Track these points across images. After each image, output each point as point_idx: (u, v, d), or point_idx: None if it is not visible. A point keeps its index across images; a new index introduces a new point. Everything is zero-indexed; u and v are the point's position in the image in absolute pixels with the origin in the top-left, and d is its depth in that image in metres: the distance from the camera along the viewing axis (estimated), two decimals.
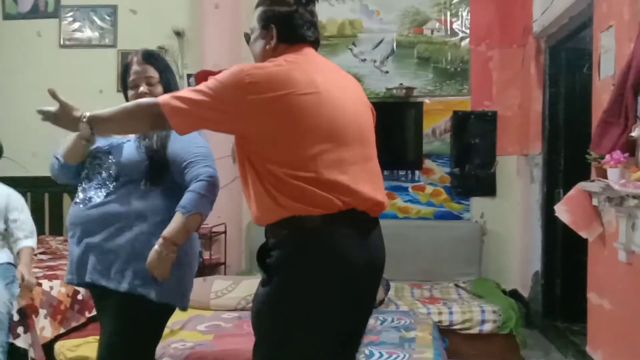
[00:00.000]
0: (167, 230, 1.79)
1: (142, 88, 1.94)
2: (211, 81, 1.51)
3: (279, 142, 1.48)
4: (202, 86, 1.51)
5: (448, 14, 4.61)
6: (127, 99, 2.01)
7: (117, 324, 1.86)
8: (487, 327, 3.52)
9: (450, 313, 3.56)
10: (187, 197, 1.82)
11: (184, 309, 1.99)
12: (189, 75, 4.60)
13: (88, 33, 4.87)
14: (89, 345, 2.76)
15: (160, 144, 1.90)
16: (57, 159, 1.99)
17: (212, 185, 1.85)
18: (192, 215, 1.80)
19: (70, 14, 4.86)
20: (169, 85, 1.98)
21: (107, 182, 1.89)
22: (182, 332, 2.99)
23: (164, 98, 1.52)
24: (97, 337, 1.99)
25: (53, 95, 1.62)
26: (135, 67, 1.97)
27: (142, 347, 1.91)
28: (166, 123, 1.52)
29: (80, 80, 4.70)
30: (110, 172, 1.89)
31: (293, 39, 1.63)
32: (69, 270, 1.94)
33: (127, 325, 1.85)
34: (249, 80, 1.46)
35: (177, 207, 1.82)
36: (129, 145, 1.93)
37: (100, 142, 1.93)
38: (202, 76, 4.40)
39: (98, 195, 1.88)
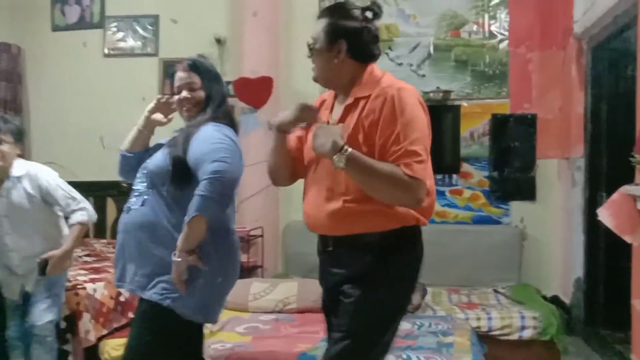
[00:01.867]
0: (178, 240, 1.80)
1: (184, 93, 2.02)
2: (412, 126, 1.57)
3: None
4: (413, 132, 1.57)
5: (486, 16, 4.57)
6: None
7: (140, 330, 1.92)
8: (527, 334, 3.45)
9: (489, 319, 3.51)
10: (191, 201, 1.77)
11: (212, 322, 2.04)
12: (227, 82, 4.69)
13: (131, 42, 5.02)
14: None
15: (182, 148, 1.89)
16: (121, 154, 2.12)
17: (215, 182, 1.75)
18: (193, 218, 1.75)
19: (114, 24, 5.03)
20: (210, 91, 2.02)
21: (143, 191, 1.95)
22: (221, 334, 3.05)
23: (416, 171, 1.56)
24: None
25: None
26: (179, 74, 2.04)
27: (166, 356, 1.92)
28: (420, 189, 1.57)
29: (123, 88, 4.85)
30: (146, 180, 1.96)
31: (364, 57, 1.69)
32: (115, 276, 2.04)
33: (151, 333, 1.89)
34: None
35: None
36: (158, 152, 2.00)
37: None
38: (240, 83, 4.49)
39: (136, 203, 1.95)
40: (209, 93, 2.02)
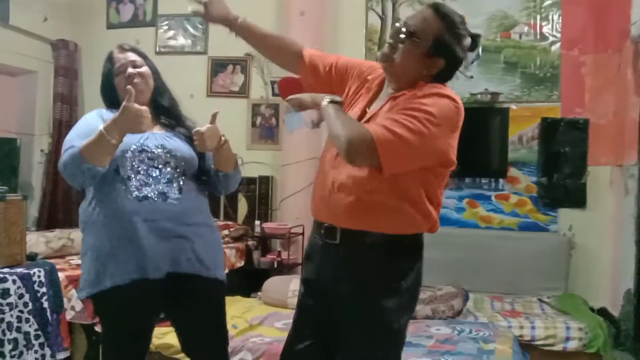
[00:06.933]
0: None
1: (130, 70, 1.98)
2: (423, 117, 1.49)
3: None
4: (414, 123, 1.48)
5: (538, 17, 4.46)
6: (111, 92, 2.04)
7: (220, 309, 2.07)
8: (572, 345, 3.35)
9: (533, 327, 3.42)
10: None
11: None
12: (272, 82, 4.73)
13: (181, 40, 5.14)
14: (174, 334, 2.88)
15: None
16: (96, 170, 1.79)
17: None
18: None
19: (166, 22, 5.15)
20: (153, 66, 2.08)
21: (176, 178, 1.93)
22: (260, 328, 3.08)
23: (378, 132, 1.48)
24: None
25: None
26: (117, 56, 2.01)
27: None
28: (374, 158, 1.47)
29: (173, 84, 4.88)
30: (177, 168, 1.95)
31: (444, 79, 1.67)
32: (138, 265, 1.85)
33: (223, 306, 2.10)
34: (459, 119, 1.58)
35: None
36: (180, 142, 2.01)
37: (135, 139, 1.90)
38: (285, 84, 4.52)
39: (172, 191, 1.91)
40: (154, 68, 2.07)
